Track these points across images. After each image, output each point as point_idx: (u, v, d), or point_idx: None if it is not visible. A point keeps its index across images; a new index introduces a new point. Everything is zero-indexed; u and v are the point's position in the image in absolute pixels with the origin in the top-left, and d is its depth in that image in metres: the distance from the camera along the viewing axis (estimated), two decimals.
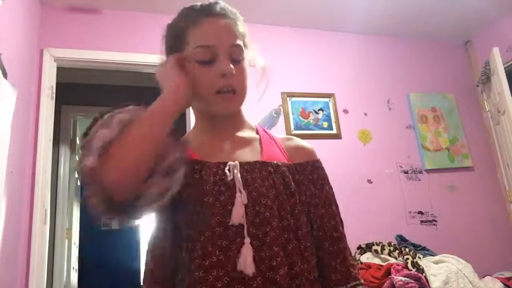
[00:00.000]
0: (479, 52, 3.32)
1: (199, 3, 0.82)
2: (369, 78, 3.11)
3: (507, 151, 2.89)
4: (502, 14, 3.08)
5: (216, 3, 0.81)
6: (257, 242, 0.70)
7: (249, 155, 0.81)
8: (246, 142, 0.85)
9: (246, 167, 0.76)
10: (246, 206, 0.71)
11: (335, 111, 2.90)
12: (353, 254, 2.47)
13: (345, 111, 2.95)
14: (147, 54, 2.63)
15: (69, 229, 3.48)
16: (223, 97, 0.78)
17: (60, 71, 2.53)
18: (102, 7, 2.65)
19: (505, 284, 2.38)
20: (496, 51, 2.86)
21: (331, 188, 0.85)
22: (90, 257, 6.01)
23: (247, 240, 0.69)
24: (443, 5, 2.90)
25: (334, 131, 2.86)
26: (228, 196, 0.72)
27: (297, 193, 0.78)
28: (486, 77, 3.05)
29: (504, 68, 2.83)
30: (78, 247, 4.29)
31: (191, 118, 2.58)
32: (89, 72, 3.08)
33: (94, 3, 2.61)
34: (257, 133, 0.89)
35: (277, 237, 0.71)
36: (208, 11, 0.79)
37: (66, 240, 3.36)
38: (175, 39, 0.83)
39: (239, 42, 0.80)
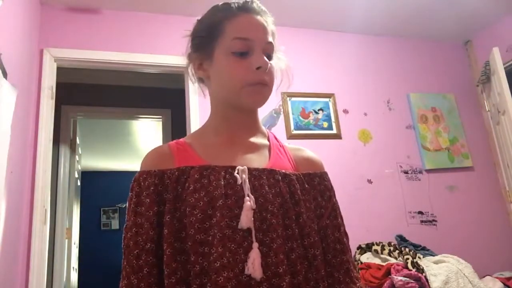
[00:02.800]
0: (479, 52, 3.32)
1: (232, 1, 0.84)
2: (369, 78, 3.11)
3: (507, 151, 2.89)
4: (502, 14, 3.08)
5: (252, 1, 0.83)
6: (264, 248, 0.69)
7: (256, 161, 0.81)
8: (255, 148, 0.85)
9: (254, 173, 0.76)
10: (253, 212, 0.71)
11: (335, 111, 2.90)
12: (353, 254, 2.47)
13: (345, 111, 2.95)
14: (147, 54, 2.64)
15: (69, 229, 3.48)
16: (255, 89, 0.78)
17: (60, 71, 2.53)
18: (102, 7, 2.65)
19: (505, 284, 2.38)
20: (496, 51, 2.86)
21: (336, 200, 0.85)
22: (90, 257, 6.02)
23: (255, 244, 0.69)
24: (443, 5, 2.90)
25: (334, 131, 2.86)
26: (235, 200, 0.72)
27: (305, 201, 0.77)
28: (486, 77, 3.05)
29: (504, 68, 2.83)
30: (78, 247, 4.30)
31: (191, 122, 2.58)
32: (89, 72, 3.08)
33: (94, 3, 2.61)
34: (268, 139, 0.88)
35: (282, 245, 0.71)
36: (245, 7, 0.81)
37: (66, 240, 3.36)
38: (210, 29, 0.83)
39: (272, 40, 0.82)
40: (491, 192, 3.09)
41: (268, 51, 0.81)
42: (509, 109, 2.72)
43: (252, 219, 0.70)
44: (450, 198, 2.97)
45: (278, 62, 0.87)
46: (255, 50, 0.78)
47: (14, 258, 2.00)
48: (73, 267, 3.79)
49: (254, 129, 0.88)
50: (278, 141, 0.90)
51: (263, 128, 0.91)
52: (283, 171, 0.79)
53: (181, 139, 0.87)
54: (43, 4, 2.54)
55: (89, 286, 5.34)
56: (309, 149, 0.91)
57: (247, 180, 0.74)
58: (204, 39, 0.83)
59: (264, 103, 0.82)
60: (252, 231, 0.70)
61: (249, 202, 0.71)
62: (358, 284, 0.78)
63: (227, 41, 0.79)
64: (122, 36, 2.65)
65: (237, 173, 0.74)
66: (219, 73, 0.82)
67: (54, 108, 2.46)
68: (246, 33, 0.79)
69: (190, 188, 0.73)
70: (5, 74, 1.58)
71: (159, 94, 3.85)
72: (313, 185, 0.82)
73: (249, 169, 0.76)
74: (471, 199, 3.01)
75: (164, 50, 2.64)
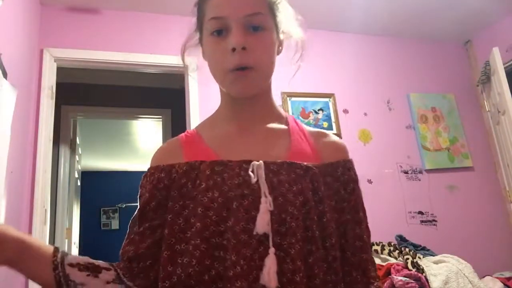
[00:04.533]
0: (479, 52, 3.32)
1: None
2: (369, 78, 3.11)
3: (507, 151, 2.89)
4: (502, 14, 3.08)
5: None
6: (281, 253, 0.63)
7: (275, 151, 0.73)
8: (273, 135, 0.76)
9: (272, 168, 0.68)
10: (271, 213, 0.64)
11: (335, 111, 2.90)
12: None
13: (345, 111, 2.95)
14: (147, 54, 2.64)
15: (69, 229, 3.48)
16: (235, 76, 0.69)
17: (60, 71, 2.53)
18: (102, 7, 2.65)
19: (505, 284, 2.38)
20: (496, 51, 2.86)
21: (360, 191, 0.77)
22: (90, 257, 6.02)
23: (271, 250, 0.63)
24: (443, 5, 2.90)
25: (334, 131, 2.86)
26: (252, 201, 0.65)
27: (328, 198, 0.70)
28: (486, 77, 3.05)
29: (504, 68, 2.83)
30: (78, 247, 4.30)
31: (191, 122, 2.58)
32: (89, 72, 3.08)
33: (94, 3, 2.61)
34: (287, 123, 0.79)
35: (300, 250, 0.64)
36: None
37: (66, 240, 3.36)
38: (198, 11, 0.78)
39: (260, 10, 0.71)
40: (491, 192, 3.09)
41: (254, 23, 0.70)
42: (509, 109, 2.72)
43: (270, 222, 0.64)
44: (450, 198, 2.97)
45: (288, 33, 0.79)
46: (232, 28, 0.69)
47: None
48: None
49: (269, 112, 0.79)
50: (298, 125, 0.81)
51: (280, 110, 0.82)
52: (305, 164, 0.70)
53: (192, 129, 0.82)
54: (43, 4, 2.54)
55: None
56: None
57: (263, 177, 0.66)
58: (197, 21, 0.78)
59: (253, 89, 0.72)
60: (269, 235, 0.63)
61: (265, 203, 0.64)
62: (375, 284, 0.72)
63: (206, 23, 0.73)
64: (122, 36, 2.65)
65: (252, 171, 0.67)
66: (207, 59, 0.76)
67: (54, 108, 2.46)
68: (219, 11, 0.70)
69: (202, 186, 0.67)
70: (5, 74, 1.58)
71: (159, 94, 3.85)
72: (336, 176, 0.73)
73: (266, 163, 0.68)
74: (471, 199, 3.01)
75: (164, 50, 2.64)
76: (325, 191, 0.70)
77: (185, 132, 0.81)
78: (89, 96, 3.70)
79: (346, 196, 0.73)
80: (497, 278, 2.45)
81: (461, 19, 3.10)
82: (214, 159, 0.71)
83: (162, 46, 2.66)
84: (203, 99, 2.62)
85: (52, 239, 3.15)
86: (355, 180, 0.76)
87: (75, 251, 3.92)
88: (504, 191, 3.07)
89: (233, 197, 0.66)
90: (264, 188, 0.65)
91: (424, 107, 3.14)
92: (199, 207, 0.66)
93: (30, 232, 2.16)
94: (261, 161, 0.68)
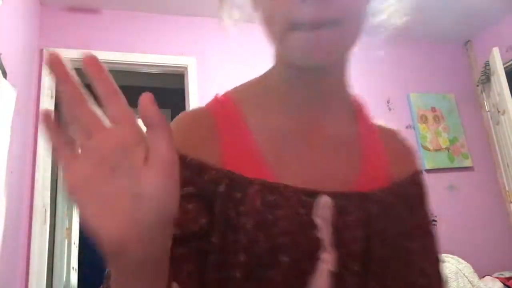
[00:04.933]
0: (479, 52, 3.32)
1: None
2: (369, 78, 3.11)
3: (507, 151, 2.89)
4: (502, 14, 3.08)
5: None
6: None
7: (344, 170, 0.53)
8: (342, 141, 0.55)
9: (339, 203, 0.48)
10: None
11: None
12: None
13: None
14: (147, 54, 2.64)
15: (69, 229, 3.48)
16: (307, 34, 0.44)
17: None
18: (102, 7, 2.65)
19: (505, 284, 2.38)
20: (496, 51, 2.86)
21: (428, 207, 0.59)
22: (90, 257, 6.03)
23: None
24: (443, 5, 2.90)
25: None
26: (307, 252, 0.46)
27: (395, 235, 0.51)
28: (486, 77, 3.05)
29: (504, 68, 2.84)
30: (78, 247, 4.30)
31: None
32: None
33: (93, 3, 2.61)
34: (356, 116, 0.59)
35: None
36: None
37: (66, 240, 3.36)
38: None
39: None
40: (491, 192, 3.09)
41: None
42: (509, 109, 2.72)
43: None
44: (450, 198, 2.97)
45: None
46: None
47: (14, 258, 2.00)
48: (73, 267, 3.79)
49: (341, 93, 0.56)
50: (366, 119, 0.61)
51: (350, 95, 0.59)
52: (378, 194, 0.51)
53: (229, 99, 0.55)
54: (43, 4, 2.54)
55: (89, 286, 5.35)
56: None
57: (329, 224, 0.47)
58: None
59: (334, 54, 0.47)
60: None
61: (327, 263, 0.46)
62: None
63: None
64: (122, 36, 2.65)
65: (317, 218, 0.47)
66: (260, 7, 0.50)
67: (54, 108, 2.47)
68: None
69: (248, 225, 0.46)
70: (5, 74, 1.58)
71: (159, 94, 3.83)
72: (406, 198, 0.54)
73: (332, 196, 0.48)
74: (471, 199, 3.01)
75: (164, 50, 2.64)
76: (393, 226, 0.51)
77: (220, 103, 0.55)
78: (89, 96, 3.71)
79: (414, 220, 0.54)
80: (497, 278, 2.45)
81: (461, 19, 3.10)
82: (265, 173, 0.49)
83: (162, 46, 2.66)
84: (203, 99, 2.62)
85: (52, 239, 3.15)
86: (424, 196, 0.59)
87: (75, 251, 3.92)
88: (504, 191, 3.07)
89: (283, 245, 0.46)
90: (327, 240, 0.46)
91: (424, 107, 3.14)
92: (241, 253, 0.46)
93: (30, 232, 2.16)
94: (329, 200, 0.48)
